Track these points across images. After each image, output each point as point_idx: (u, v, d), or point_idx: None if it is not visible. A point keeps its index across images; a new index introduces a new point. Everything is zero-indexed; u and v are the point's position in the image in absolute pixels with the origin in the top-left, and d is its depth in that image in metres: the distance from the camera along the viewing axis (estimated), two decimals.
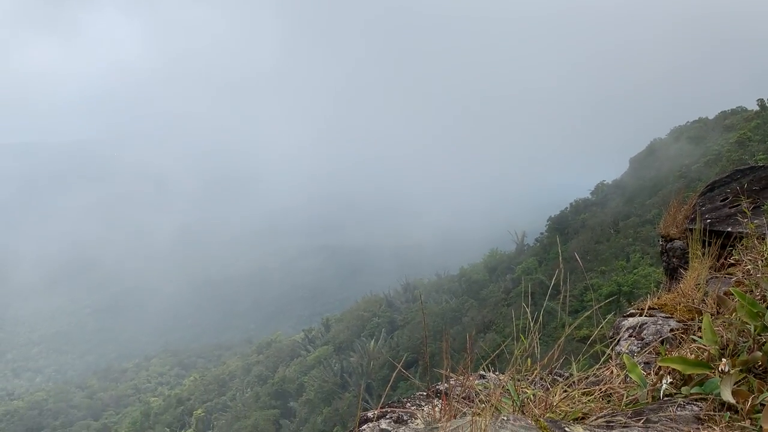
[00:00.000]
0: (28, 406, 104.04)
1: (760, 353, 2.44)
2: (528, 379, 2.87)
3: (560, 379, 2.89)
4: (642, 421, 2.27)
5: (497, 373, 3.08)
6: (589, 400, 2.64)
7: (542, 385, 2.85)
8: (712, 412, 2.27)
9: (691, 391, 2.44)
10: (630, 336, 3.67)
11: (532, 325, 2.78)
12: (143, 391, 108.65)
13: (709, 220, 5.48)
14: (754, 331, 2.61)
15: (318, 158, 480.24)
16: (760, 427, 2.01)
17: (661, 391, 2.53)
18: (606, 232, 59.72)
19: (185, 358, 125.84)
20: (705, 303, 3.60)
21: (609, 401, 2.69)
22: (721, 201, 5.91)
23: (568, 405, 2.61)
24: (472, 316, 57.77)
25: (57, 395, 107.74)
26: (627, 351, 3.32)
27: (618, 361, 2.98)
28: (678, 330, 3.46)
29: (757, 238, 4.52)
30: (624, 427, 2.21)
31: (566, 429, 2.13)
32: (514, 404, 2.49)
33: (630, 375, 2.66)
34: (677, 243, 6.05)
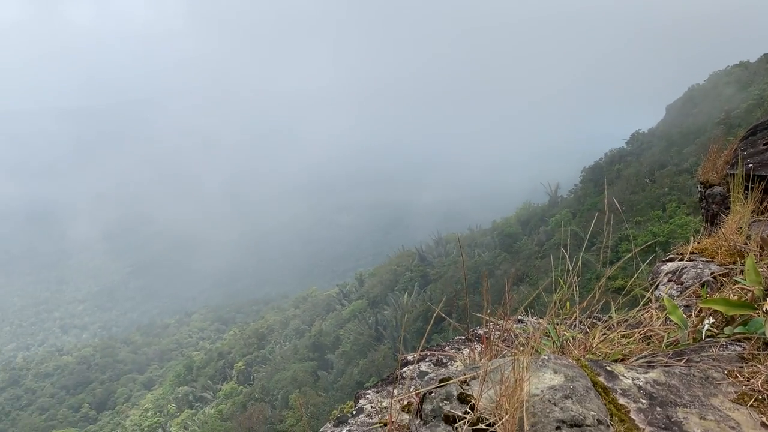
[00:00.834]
0: (77, 361, 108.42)
1: None
2: (566, 323, 2.89)
3: (599, 323, 2.89)
4: (684, 360, 2.27)
5: (535, 317, 3.10)
6: (628, 342, 2.65)
7: (581, 328, 2.86)
8: (755, 351, 2.26)
9: (734, 331, 2.42)
10: (669, 280, 3.64)
11: (570, 268, 2.78)
12: (185, 345, 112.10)
13: (751, 165, 5.33)
14: None
15: (356, 115, 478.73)
16: None
17: (703, 333, 2.52)
18: (641, 182, 58.60)
19: (224, 314, 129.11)
20: (748, 245, 3.54)
21: (649, 343, 2.69)
22: (764, 145, 5.73)
23: (608, 347, 2.63)
24: (505, 269, 57.74)
25: (103, 350, 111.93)
26: (667, 294, 3.30)
27: (658, 304, 2.97)
28: (719, 273, 3.41)
29: None
30: (666, 366, 2.22)
31: (607, 368, 2.15)
32: (554, 345, 2.52)
33: (670, 317, 2.65)
34: (717, 189, 5.91)
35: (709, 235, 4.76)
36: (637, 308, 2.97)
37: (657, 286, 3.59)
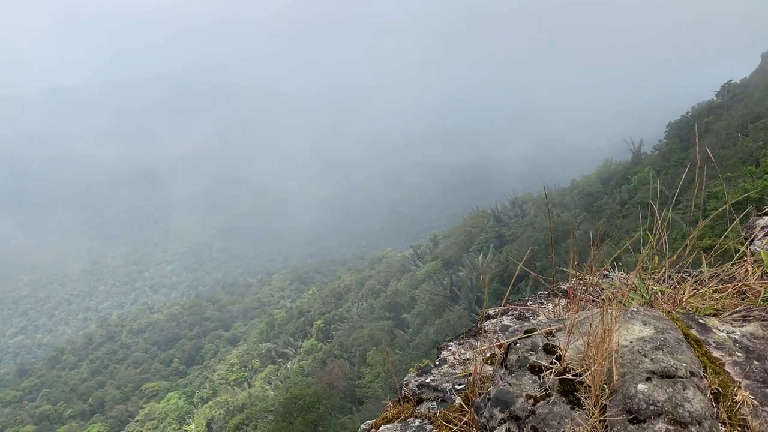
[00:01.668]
0: (166, 318, 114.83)
1: None
2: (654, 278, 2.81)
3: (689, 278, 2.81)
4: None
5: (621, 272, 3.04)
6: (721, 297, 2.56)
7: (670, 283, 2.79)
8: None
9: None
10: (766, 235, 3.47)
11: (659, 222, 2.69)
12: (267, 304, 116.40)
13: None
14: None
15: (440, 68, 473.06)
16: None
17: None
18: (732, 136, 55.19)
19: (303, 274, 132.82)
20: None
21: (743, 298, 2.60)
22: None
23: (699, 302, 2.55)
24: (585, 229, 56.31)
25: (191, 308, 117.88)
26: (764, 248, 3.14)
27: (753, 259, 2.84)
28: None
29: None
30: (763, 321, 2.14)
31: (700, 321, 2.09)
32: (643, 299, 2.47)
33: None
34: None
35: None
36: (731, 263, 2.86)
37: (752, 240, 3.43)
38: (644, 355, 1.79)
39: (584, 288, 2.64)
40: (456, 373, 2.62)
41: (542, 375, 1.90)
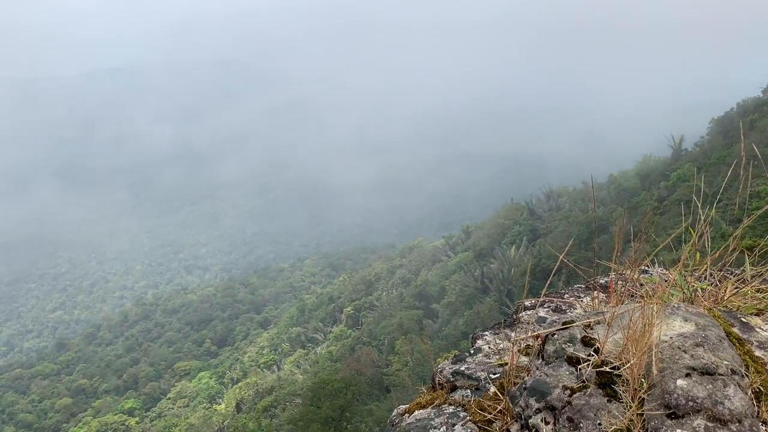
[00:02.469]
0: (200, 299, 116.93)
1: None
2: (695, 275, 2.78)
3: (731, 276, 2.77)
4: None
5: (662, 268, 3.01)
6: (764, 297, 2.52)
7: (711, 281, 2.75)
8: None
9: None
10: None
11: (702, 218, 2.66)
12: (298, 289, 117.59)
13: None
14: None
15: (486, 56, 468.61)
16: None
17: None
18: None
19: (334, 260, 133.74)
20: None
21: None
22: None
23: (741, 300, 2.52)
24: (621, 225, 55.39)
25: (224, 290, 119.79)
26: None
27: None
28: None
29: None
30: None
31: (742, 320, 2.08)
32: (683, 295, 2.45)
33: None
34: None
35: None
36: None
37: None
38: (684, 351, 1.79)
39: (623, 282, 2.63)
40: (491, 362, 2.64)
41: (579, 367, 1.91)
